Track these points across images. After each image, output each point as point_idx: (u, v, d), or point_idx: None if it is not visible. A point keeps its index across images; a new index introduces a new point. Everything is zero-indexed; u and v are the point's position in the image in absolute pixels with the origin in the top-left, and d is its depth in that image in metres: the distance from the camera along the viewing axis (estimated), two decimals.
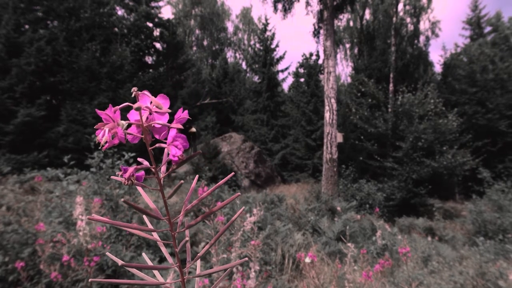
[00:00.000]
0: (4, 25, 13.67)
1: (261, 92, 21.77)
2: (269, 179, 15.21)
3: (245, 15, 37.59)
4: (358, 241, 6.10)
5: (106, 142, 0.43)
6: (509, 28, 22.26)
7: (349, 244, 3.20)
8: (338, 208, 8.30)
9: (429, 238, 7.27)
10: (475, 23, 23.87)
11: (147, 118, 0.46)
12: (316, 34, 15.65)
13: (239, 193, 0.60)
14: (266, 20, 22.61)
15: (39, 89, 14.17)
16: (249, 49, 31.12)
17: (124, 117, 0.46)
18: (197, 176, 0.62)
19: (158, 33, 20.28)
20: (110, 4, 17.47)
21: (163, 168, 0.50)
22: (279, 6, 15.30)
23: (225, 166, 13.30)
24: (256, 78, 23.81)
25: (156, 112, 0.46)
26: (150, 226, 0.54)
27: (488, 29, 23.64)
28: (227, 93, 23.06)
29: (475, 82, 18.93)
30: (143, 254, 0.68)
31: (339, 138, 12.55)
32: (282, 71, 23.66)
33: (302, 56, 21.69)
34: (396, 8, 20.50)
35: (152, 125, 0.46)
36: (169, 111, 0.46)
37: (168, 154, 0.47)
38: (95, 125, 0.44)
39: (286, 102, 22.08)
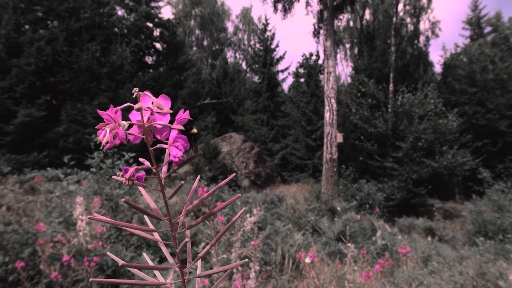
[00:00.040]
0: (4, 25, 13.67)
1: (261, 92, 21.77)
2: (269, 179, 15.21)
3: (245, 15, 37.61)
4: (358, 241, 6.10)
5: (107, 142, 0.43)
6: (509, 28, 22.27)
7: (349, 244, 3.20)
8: (338, 208, 8.30)
9: (429, 238, 7.27)
10: (475, 23, 23.88)
11: (149, 118, 0.46)
12: (316, 34, 15.65)
13: (239, 194, 0.60)
14: (266, 20, 22.63)
15: (39, 89, 14.17)
16: (249, 49, 31.14)
17: (125, 118, 0.46)
18: (198, 176, 0.62)
19: (158, 33, 20.29)
20: (110, 4, 17.48)
21: (164, 168, 0.50)
22: (279, 6, 15.30)
23: (225, 166, 13.31)
24: (256, 78, 23.82)
25: (157, 112, 0.46)
26: (151, 226, 0.55)
27: (488, 29, 23.67)
28: (227, 93, 23.06)
29: (475, 82, 18.93)
30: (144, 254, 0.68)
31: (339, 138, 12.55)
32: (282, 71, 23.68)
33: (302, 56, 21.71)
34: (396, 8, 20.51)
35: (154, 125, 0.46)
36: (171, 111, 0.46)
37: (169, 154, 0.48)
38: (95, 125, 0.44)
39: (286, 102, 22.08)
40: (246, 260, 0.60)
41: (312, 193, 11.24)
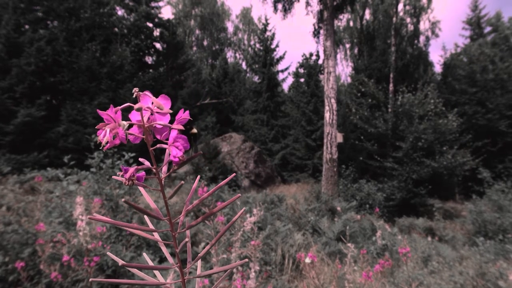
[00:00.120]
0: (4, 25, 13.67)
1: (261, 92, 21.77)
2: (269, 179, 15.21)
3: (245, 15, 37.61)
4: (358, 241, 6.10)
5: (107, 142, 0.43)
6: (509, 28, 22.27)
7: (349, 244, 3.20)
8: (338, 208, 8.30)
9: (429, 238, 7.27)
10: (475, 23, 23.88)
11: (149, 118, 0.46)
12: (316, 34, 15.65)
13: (239, 194, 0.60)
14: (266, 20, 22.63)
15: (39, 89, 14.17)
16: (249, 49, 31.14)
17: (125, 118, 0.46)
18: (198, 176, 0.62)
19: (158, 33, 20.29)
20: (110, 4, 17.48)
21: (164, 168, 0.50)
22: (279, 6, 15.30)
23: (225, 166, 13.31)
24: (256, 78, 23.82)
25: (157, 112, 0.46)
26: (151, 226, 0.55)
27: (488, 29, 23.67)
28: (227, 93, 23.06)
29: (475, 82, 18.93)
30: (144, 254, 0.68)
31: (339, 138, 12.55)
32: (282, 71, 23.68)
33: (302, 56, 21.71)
34: (396, 8, 20.51)
35: (154, 125, 0.46)
36: (171, 111, 0.46)
37: (169, 154, 0.48)
38: (95, 125, 0.44)
39: (286, 102, 22.08)
40: (246, 260, 0.60)
41: (312, 193, 11.24)
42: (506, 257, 5.28)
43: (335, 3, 13.48)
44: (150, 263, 0.61)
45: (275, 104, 21.56)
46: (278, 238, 4.75)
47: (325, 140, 12.53)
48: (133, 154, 4.85)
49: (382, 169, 15.41)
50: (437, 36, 24.37)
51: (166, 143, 0.48)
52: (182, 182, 0.52)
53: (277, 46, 22.60)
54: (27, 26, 14.94)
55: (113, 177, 0.49)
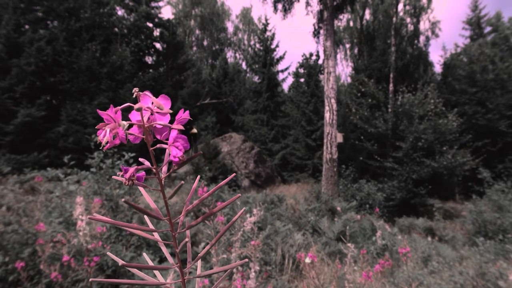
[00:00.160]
0: (4, 25, 13.67)
1: (261, 92, 21.77)
2: (269, 179, 15.21)
3: (245, 15, 37.61)
4: (358, 241, 6.10)
5: (107, 142, 0.43)
6: (509, 28, 22.27)
7: (349, 244, 3.20)
8: (338, 208, 8.30)
9: (429, 238, 7.27)
10: (475, 23, 23.88)
11: (149, 118, 0.46)
12: (316, 34, 15.66)
13: (239, 194, 0.60)
14: (266, 20, 22.63)
15: (39, 89, 14.17)
16: (249, 49, 31.14)
17: (125, 118, 0.46)
18: (198, 176, 0.62)
19: (158, 33, 20.29)
20: (110, 4, 17.48)
21: (164, 168, 0.50)
22: (279, 6, 15.30)
23: (225, 166, 13.31)
24: (256, 78, 23.82)
25: (157, 112, 0.46)
26: (151, 226, 0.55)
27: (488, 29, 23.67)
28: (227, 93, 23.06)
29: (475, 82, 18.93)
30: (144, 254, 0.68)
31: (339, 138, 12.55)
32: (282, 71, 23.68)
33: (302, 56, 21.71)
34: (396, 8, 20.51)
35: (154, 125, 0.46)
36: (171, 111, 0.46)
37: (169, 154, 0.48)
38: (95, 125, 0.44)
39: (286, 102, 22.08)
40: (246, 260, 0.60)
41: (312, 193, 11.24)
42: (506, 257, 5.28)
43: (335, 3, 13.48)
44: (150, 263, 0.61)
45: (275, 104, 21.56)
46: (278, 238, 4.75)
47: (325, 140, 12.53)
48: (133, 154, 4.85)
49: (382, 169, 15.42)
50: (437, 36, 24.40)
51: (166, 143, 0.48)
52: (182, 182, 0.52)
53: (277, 46, 22.61)
54: (27, 26, 14.94)
55: (113, 177, 0.50)
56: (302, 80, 21.83)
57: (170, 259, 0.58)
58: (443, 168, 13.93)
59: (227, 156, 14.50)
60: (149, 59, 20.71)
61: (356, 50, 25.31)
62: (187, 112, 0.49)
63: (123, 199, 0.45)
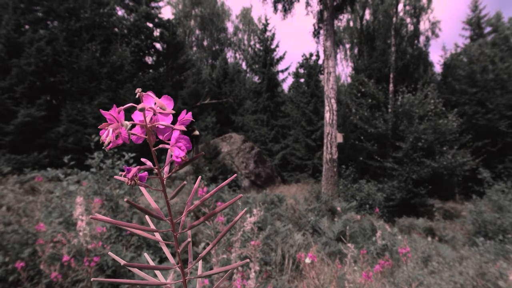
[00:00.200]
0: (4, 25, 13.67)
1: (261, 93, 21.77)
2: (269, 180, 15.21)
3: (245, 15, 37.61)
4: (358, 241, 6.10)
5: (110, 142, 0.43)
6: (509, 28, 22.28)
7: (349, 245, 3.20)
8: (338, 209, 8.30)
9: (429, 239, 7.27)
10: (475, 24, 23.89)
11: (151, 119, 0.46)
12: (316, 34, 15.66)
13: (241, 195, 0.60)
14: (266, 20, 22.62)
15: (39, 89, 14.17)
16: (249, 49, 31.13)
17: (127, 118, 0.46)
18: (199, 177, 0.62)
19: (158, 34, 20.29)
20: (110, 5, 17.49)
21: (166, 168, 0.51)
22: (279, 6, 15.31)
23: (225, 167, 13.31)
24: (256, 79, 23.81)
25: (160, 113, 0.46)
26: (152, 226, 0.55)
27: (488, 29, 23.68)
28: (227, 94, 23.06)
29: (475, 83, 18.94)
30: (145, 254, 0.68)
31: (339, 138, 12.55)
32: (282, 71, 23.68)
33: (302, 56, 21.71)
34: (396, 8, 20.51)
35: (156, 126, 0.46)
36: (173, 112, 0.47)
37: (171, 155, 0.48)
38: (95, 125, 0.45)
39: (286, 102, 22.08)
40: (247, 260, 0.60)
41: (312, 193, 11.24)
42: (506, 257, 5.28)
43: (335, 3, 13.48)
44: (151, 263, 0.61)
45: (275, 104, 21.56)
46: (278, 238, 4.75)
47: (325, 140, 12.53)
48: (133, 155, 4.85)
49: (382, 169, 15.42)
50: (437, 36, 24.41)
51: (168, 144, 0.48)
52: (185, 182, 0.53)
53: (277, 46, 22.61)
54: (27, 26, 14.94)
55: (115, 177, 0.50)
56: (302, 80, 21.83)
57: (171, 259, 0.58)
58: (443, 168, 13.93)
59: (227, 156, 14.50)
60: (149, 59, 20.72)
61: (356, 50, 25.31)
62: (190, 113, 0.49)
63: (125, 199, 0.45)
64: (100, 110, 0.43)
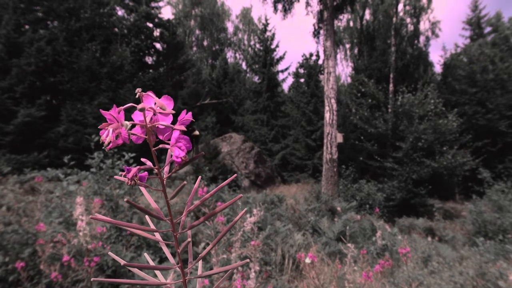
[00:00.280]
0: (4, 25, 13.67)
1: (261, 93, 21.77)
2: (269, 180, 15.21)
3: (245, 15, 37.61)
4: (358, 241, 6.10)
5: (110, 142, 0.43)
6: (509, 28, 22.28)
7: (349, 245, 3.20)
8: (338, 209, 8.30)
9: (429, 239, 7.27)
10: (475, 23, 23.89)
11: (151, 119, 0.46)
12: (316, 34, 15.66)
13: (241, 195, 0.60)
14: (266, 20, 22.62)
15: (39, 89, 14.17)
16: (249, 49, 31.13)
17: (127, 118, 0.46)
18: (199, 177, 0.62)
19: (158, 34, 20.29)
20: (110, 5, 17.49)
21: (166, 168, 0.51)
22: (279, 6, 15.31)
23: (225, 167, 13.31)
24: (256, 79, 23.81)
25: (160, 113, 0.46)
26: (152, 226, 0.55)
27: (488, 29, 23.68)
28: (227, 94, 23.06)
29: (475, 83, 18.94)
30: (145, 254, 0.68)
31: (339, 138, 12.55)
32: (282, 71, 23.68)
33: (302, 56, 21.71)
34: (396, 8, 20.52)
35: (156, 126, 0.46)
36: (173, 112, 0.47)
37: (171, 155, 0.48)
38: (95, 125, 0.45)
39: (286, 102, 22.08)
40: (247, 260, 0.60)
41: (312, 193, 11.24)
42: (506, 257, 5.28)
43: (335, 3, 13.48)
44: (151, 263, 0.61)
45: (275, 104, 21.56)
46: (278, 238, 4.75)
47: (325, 140, 12.53)
48: (133, 155, 4.85)
49: (382, 169, 15.42)
50: (437, 36, 24.41)
51: (168, 144, 0.48)
52: (185, 182, 0.53)
53: (277, 46, 22.60)
54: (27, 26, 14.94)
55: (116, 177, 0.50)
56: (302, 80, 21.83)
57: (171, 259, 0.58)
58: (443, 168, 13.93)
59: (227, 156, 14.50)
60: (149, 59, 20.72)
61: (356, 50, 25.31)
62: (190, 113, 0.49)
63: (125, 199, 0.45)
64: (100, 110, 0.43)
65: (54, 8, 15.23)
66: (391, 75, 19.03)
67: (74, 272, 2.88)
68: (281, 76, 44.27)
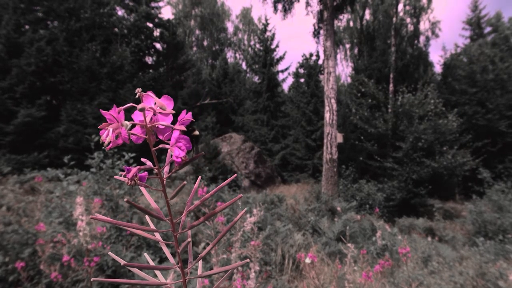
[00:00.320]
0: (4, 25, 13.67)
1: (261, 93, 21.77)
2: (269, 180, 15.21)
3: (245, 15, 37.61)
4: (358, 241, 6.10)
5: (110, 142, 0.43)
6: (509, 28, 22.28)
7: (349, 245, 3.20)
8: (338, 209, 8.30)
9: (429, 239, 7.27)
10: (475, 24, 23.89)
11: (151, 119, 0.46)
12: (316, 34, 15.67)
13: (241, 195, 0.60)
14: (266, 20, 22.61)
15: (39, 90, 14.17)
16: (249, 49, 31.14)
17: (127, 118, 0.46)
18: (199, 177, 0.62)
19: (158, 34, 20.29)
20: (110, 5, 17.49)
21: (166, 168, 0.51)
22: (279, 6, 15.31)
23: (225, 167, 13.31)
24: (256, 79, 23.81)
25: (160, 113, 0.46)
26: (152, 226, 0.55)
27: (488, 29, 23.68)
28: (227, 94, 23.06)
29: (475, 83, 18.94)
30: (145, 254, 0.68)
31: (339, 138, 12.55)
32: (282, 71, 23.68)
33: (302, 56, 21.71)
34: (396, 9, 20.52)
35: (156, 126, 0.46)
36: (173, 112, 0.47)
37: (171, 155, 0.48)
38: (96, 125, 0.45)
39: (286, 102, 22.08)
40: (248, 260, 0.60)
41: (312, 193, 11.24)
42: (506, 257, 5.28)
43: (335, 3, 13.48)
44: (151, 263, 0.61)
45: (275, 104, 21.56)
46: (278, 238, 4.75)
47: (325, 140, 12.53)
48: (133, 155, 4.85)
49: (382, 169, 15.42)
50: (437, 36, 24.39)
51: (168, 144, 0.48)
52: (185, 182, 0.53)
53: (277, 46, 22.60)
54: (27, 26, 14.93)
55: (116, 177, 0.50)
56: (302, 80, 21.83)
57: (171, 259, 0.58)
58: (443, 168, 13.93)
59: (227, 156, 14.50)
60: (149, 59, 20.72)
61: (356, 50, 25.31)
62: (190, 113, 0.49)
63: (125, 199, 0.45)
64: (100, 110, 0.43)
65: (54, 8, 15.23)
66: (391, 75, 19.03)
67: (74, 272, 2.88)
68: (281, 76, 44.30)
